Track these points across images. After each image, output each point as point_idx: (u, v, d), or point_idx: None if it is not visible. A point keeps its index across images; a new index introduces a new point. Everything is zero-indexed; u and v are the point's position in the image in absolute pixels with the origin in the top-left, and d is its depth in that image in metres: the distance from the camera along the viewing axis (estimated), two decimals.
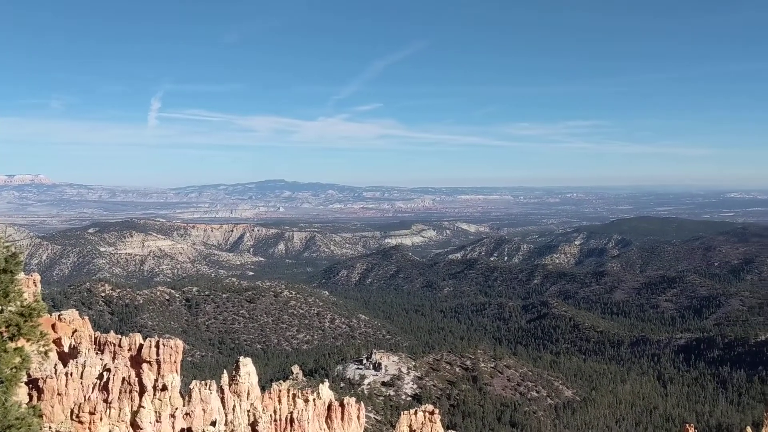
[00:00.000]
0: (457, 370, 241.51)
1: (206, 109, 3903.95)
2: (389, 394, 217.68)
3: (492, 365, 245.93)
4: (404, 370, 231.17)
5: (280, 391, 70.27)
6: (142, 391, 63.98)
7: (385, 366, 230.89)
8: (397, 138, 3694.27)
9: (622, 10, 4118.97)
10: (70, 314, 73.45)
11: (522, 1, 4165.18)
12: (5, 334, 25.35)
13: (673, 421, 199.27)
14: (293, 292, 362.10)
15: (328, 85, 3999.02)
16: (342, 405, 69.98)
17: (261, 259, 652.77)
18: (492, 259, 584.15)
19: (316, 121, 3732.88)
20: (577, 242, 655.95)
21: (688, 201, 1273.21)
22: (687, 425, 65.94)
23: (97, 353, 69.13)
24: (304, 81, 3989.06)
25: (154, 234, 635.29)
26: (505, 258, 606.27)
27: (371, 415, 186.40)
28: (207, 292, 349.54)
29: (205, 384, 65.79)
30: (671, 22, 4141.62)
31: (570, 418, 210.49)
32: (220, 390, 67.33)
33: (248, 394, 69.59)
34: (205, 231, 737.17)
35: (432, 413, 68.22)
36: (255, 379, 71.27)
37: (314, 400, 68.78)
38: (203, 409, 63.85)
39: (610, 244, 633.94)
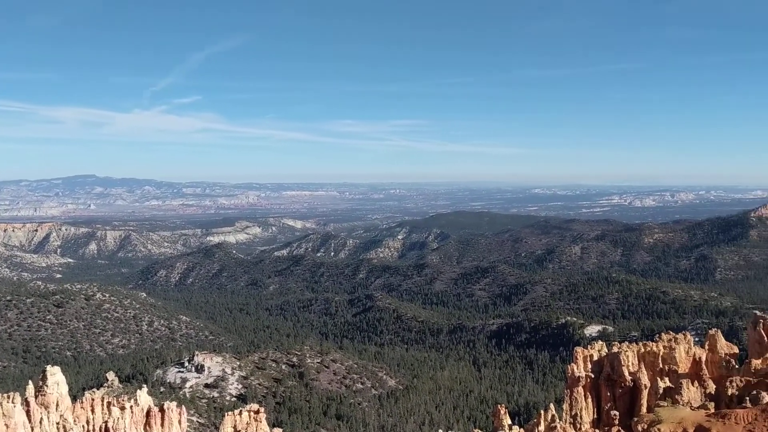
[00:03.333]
0: (284, 367, 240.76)
1: (5, 98, 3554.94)
2: (213, 396, 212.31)
3: (318, 360, 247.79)
4: (228, 370, 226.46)
5: (93, 399, 65.76)
6: None
7: (209, 367, 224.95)
8: (218, 132, 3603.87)
9: (437, 20, 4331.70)
10: None
11: (347, 2, 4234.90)
12: None
13: (487, 403, 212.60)
14: (107, 295, 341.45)
15: (144, 76, 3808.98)
16: (162, 410, 66.96)
17: (70, 260, 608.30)
18: (319, 254, 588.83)
19: (130, 114, 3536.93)
20: (400, 236, 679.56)
21: (499, 196, 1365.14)
22: (499, 406, 70.45)
23: None
24: (117, 71, 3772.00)
25: None
26: (332, 253, 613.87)
27: (194, 418, 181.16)
28: (8, 297, 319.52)
29: (8, 397, 59.89)
30: (480, 31, 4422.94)
31: (393, 406, 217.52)
32: (25, 402, 61.59)
33: (57, 405, 64.26)
34: (5, 231, 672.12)
35: (257, 412, 67.31)
36: (65, 388, 65.98)
37: (131, 407, 65.23)
38: (6, 425, 58.13)
39: (431, 238, 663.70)
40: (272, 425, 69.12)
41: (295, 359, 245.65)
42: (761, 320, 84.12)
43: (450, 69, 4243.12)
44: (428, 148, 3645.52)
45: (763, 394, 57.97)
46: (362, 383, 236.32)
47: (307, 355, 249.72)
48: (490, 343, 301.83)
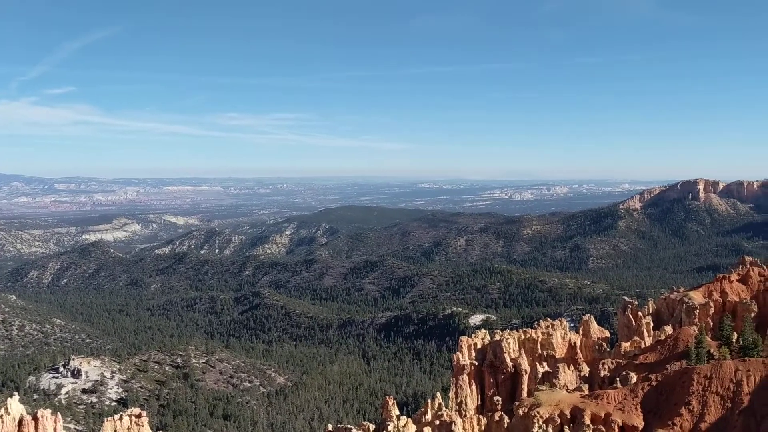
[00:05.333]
0: (167, 368, 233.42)
1: None
2: (91, 402, 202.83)
3: (204, 360, 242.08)
4: (108, 374, 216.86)
5: None
6: None
7: (86, 372, 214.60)
8: (94, 125, 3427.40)
9: (324, 14, 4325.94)
10: None
11: None
12: None
13: (377, 395, 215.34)
14: None
15: (12, 65, 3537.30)
16: (35, 419, 62.97)
17: None
18: (203, 252, 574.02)
19: None
20: (288, 232, 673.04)
21: (387, 191, 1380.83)
22: (387, 397, 71.30)
23: None
24: None
25: None
26: (217, 250, 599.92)
27: (71, 426, 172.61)
28: None
29: None
30: (367, 26, 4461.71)
31: (282, 403, 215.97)
32: None
33: None
34: None
35: (139, 416, 64.67)
36: None
37: (1, 416, 60.93)
38: None
39: (319, 233, 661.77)
40: (156, 429, 66.75)
41: (179, 360, 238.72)
42: (629, 306, 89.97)
43: (337, 64, 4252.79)
44: (316, 142, 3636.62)
45: (632, 374, 61.96)
46: (250, 382, 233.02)
47: (192, 355, 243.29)
48: (379, 336, 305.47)
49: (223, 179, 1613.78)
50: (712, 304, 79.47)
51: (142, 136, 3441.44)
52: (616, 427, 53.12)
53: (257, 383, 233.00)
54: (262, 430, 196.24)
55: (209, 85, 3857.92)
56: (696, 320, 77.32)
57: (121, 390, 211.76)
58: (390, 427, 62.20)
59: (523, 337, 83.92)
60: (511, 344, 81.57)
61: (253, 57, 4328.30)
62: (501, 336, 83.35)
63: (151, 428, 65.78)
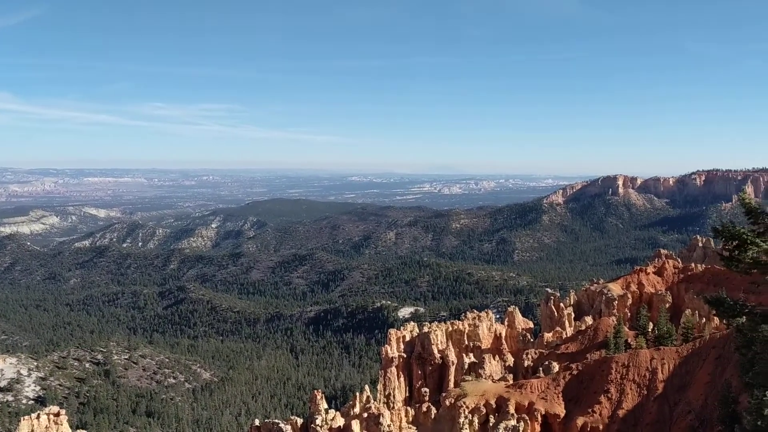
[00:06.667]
0: (88, 365, 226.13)
1: None
2: (7, 400, 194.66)
3: (126, 357, 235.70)
4: (24, 372, 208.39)
5: None
6: None
7: (1, 370, 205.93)
8: (10, 113, 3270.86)
9: (253, 5, 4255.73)
10: None
11: None
12: None
13: (305, 389, 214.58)
14: None
15: None
16: None
17: None
18: (125, 245, 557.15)
19: None
20: (214, 225, 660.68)
21: (317, 184, 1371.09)
22: (315, 391, 71.08)
23: None
24: None
25: None
26: (140, 244, 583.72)
27: None
28: None
29: None
30: (299, 18, 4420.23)
31: (208, 399, 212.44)
32: None
33: None
34: None
35: (57, 414, 62.37)
36: None
37: None
38: None
39: (247, 226, 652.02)
40: (76, 427, 64.47)
41: (100, 356, 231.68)
42: (552, 297, 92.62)
43: (267, 55, 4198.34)
44: (244, 133, 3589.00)
45: (554, 364, 63.83)
46: (175, 378, 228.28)
47: (114, 351, 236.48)
48: (308, 330, 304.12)
49: (147, 170, 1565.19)
50: (629, 295, 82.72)
51: (62, 125, 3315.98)
52: (539, 415, 54.59)
53: (182, 379, 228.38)
54: (186, 427, 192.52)
55: (133, 74, 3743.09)
56: (615, 311, 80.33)
57: (38, 388, 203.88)
58: (318, 421, 62.01)
59: (450, 329, 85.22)
60: (438, 336, 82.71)
61: (180, 46, 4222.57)
62: (429, 328, 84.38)
63: (71, 427, 63.58)
